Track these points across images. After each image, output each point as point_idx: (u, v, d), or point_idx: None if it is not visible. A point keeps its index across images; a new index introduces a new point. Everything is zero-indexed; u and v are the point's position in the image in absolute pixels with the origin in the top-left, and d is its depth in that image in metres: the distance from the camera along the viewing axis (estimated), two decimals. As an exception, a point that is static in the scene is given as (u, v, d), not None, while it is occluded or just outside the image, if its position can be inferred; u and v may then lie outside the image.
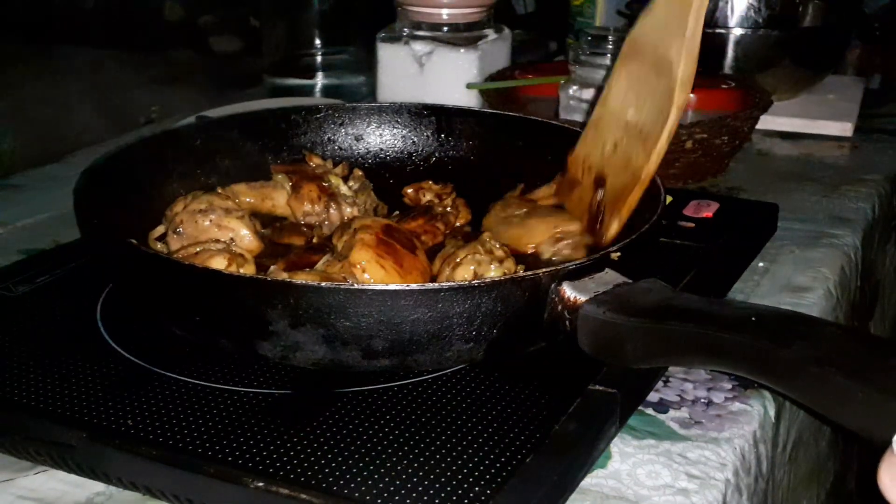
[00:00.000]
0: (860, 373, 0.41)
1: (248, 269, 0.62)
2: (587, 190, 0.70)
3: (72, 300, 0.67)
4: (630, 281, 0.55)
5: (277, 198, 0.74)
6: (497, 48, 1.14)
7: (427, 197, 0.78)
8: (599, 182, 0.68)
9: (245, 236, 0.68)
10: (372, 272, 0.61)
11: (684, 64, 0.61)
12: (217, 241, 0.66)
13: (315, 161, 0.78)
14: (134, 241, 0.61)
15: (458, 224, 0.75)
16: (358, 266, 0.61)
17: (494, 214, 0.73)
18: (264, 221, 0.72)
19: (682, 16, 0.60)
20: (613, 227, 0.66)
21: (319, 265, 0.62)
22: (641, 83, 0.65)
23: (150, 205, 0.71)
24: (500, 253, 0.62)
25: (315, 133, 0.82)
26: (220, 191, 0.72)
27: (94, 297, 0.67)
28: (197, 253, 0.63)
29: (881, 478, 0.34)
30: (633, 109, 0.66)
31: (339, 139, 0.83)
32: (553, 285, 0.54)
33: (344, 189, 0.75)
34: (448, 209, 0.75)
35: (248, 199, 0.74)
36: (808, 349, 0.44)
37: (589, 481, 0.52)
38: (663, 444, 0.55)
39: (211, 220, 0.67)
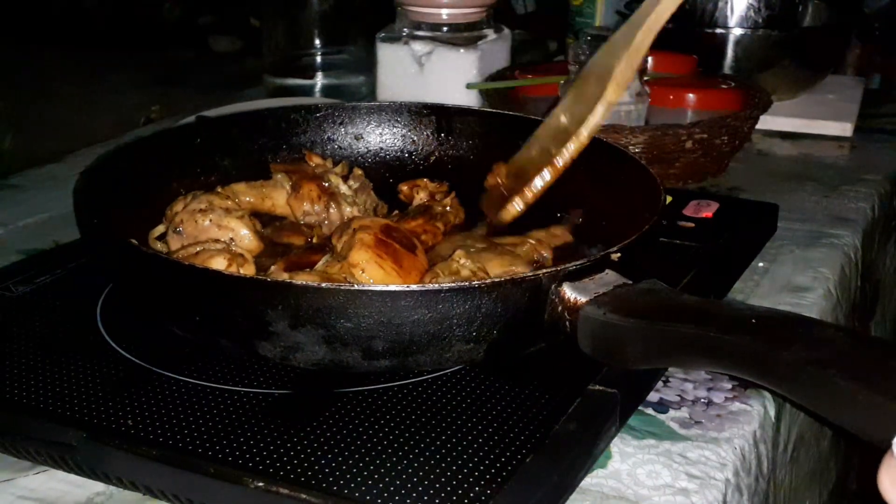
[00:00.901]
0: (860, 375, 0.41)
1: (248, 270, 0.62)
2: (500, 186, 0.71)
3: (72, 300, 0.67)
4: (630, 282, 0.55)
5: (277, 197, 0.74)
6: (497, 48, 1.14)
7: (421, 194, 0.77)
8: (515, 175, 0.69)
9: (245, 236, 0.68)
10: (371, 272, 0.61)
11: (623, 66, 0.63)
12: (217, 240, 0.66)
13: (315, 160, 0.78)
14: (134, 241, 0.60)
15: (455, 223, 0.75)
16: (357, 266, 0.61)
17: (451, 241, 0.72)
18: (264, 221, 0.72)
19: (633, 33, 0.62)
20: (514, 209, 0.67)
21: (319, 265, 0.62)
22: (581, 96, 0.67)
23: (149, 204, 0.71)
24: (466, 273, 0.61)
25: (315, 132, 0.82)
26: (219, 190, 0.71)
27: (94, 297, 0.67)
28: (197, 253, 0.63)
29: (881, 480, 0.34)
30: (566, 116, 0.67)
31: (339, 138, 0.83)
32: (553, 286, 0.54)
33: (344, 188, 0.75)
34: (448, 209, 0.75)
35: (247, 199, 0.74)
36: (807, 351, 0.44)
37: (589, 481, 0.52)
38: (663, 444, 0.55)
39: (211, 220, 0.67)
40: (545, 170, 0.66)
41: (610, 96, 0.63)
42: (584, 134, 0.65)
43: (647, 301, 0.53)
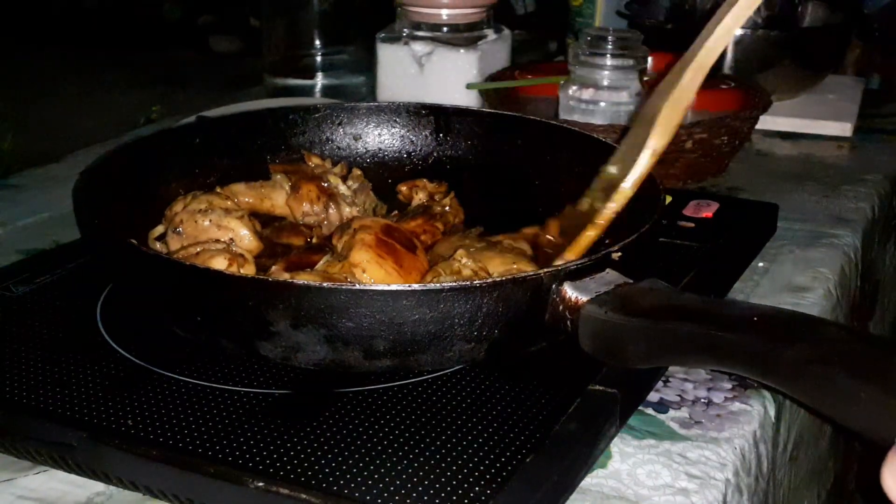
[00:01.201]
0: (863, 373, 0.41)
1: (249, 270, 0.62)
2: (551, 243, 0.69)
3: (72, 300, 0.67)
4: (631, 281, 0.55)
5: (276, 198, 0.74)
6: (497, 48, 1.14)
7: (420, 195, 0.77)
8: (565, 233, 0.67)
9: (245, 236, 0.68)
10: (372, 272, 0.61)
11: (667, 110, 0.59)
12: (217, 241, 0.66)
13: (314, 161, 0.78)
14: (134, 241, 0.60)
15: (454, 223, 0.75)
16: (358, 266, 0.61)
17: (449, 242, 0.71)
18: (263, 221, 0.72)
19: (681, 72, 0.60)
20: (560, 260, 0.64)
21: (319, 265, 0.62)
22: (631, 144, 0.64)
23: (149, 204, 0.71)
24: (467, 272, 0.61)
25: (313, 132, 0.82)
26: (218, 190, 0.71)
27: (94, 297, 0.67)
28: (197, 253, 0.63)
29: (885, 478, 0.34)
30: (617, 166, 0.65)
31: (338, 139, 0.83)
32: (554, 285, 0.54)
33: (343, 189, 0.75)
34: (447, 209, 0.75)
35: (246, 199, 0.74)
36: (810, 349, 0.44)
37: (589, 481, 0.52)
38: (663, 444, 0.55)
39: (211, 220, 0.67)
40: (588, 227, 0.62)
41: (654, 143, 0.60)
42: (628, 186, 0.61)
43: (648, 300, 0.53)
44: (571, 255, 0.63)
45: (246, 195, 0.74)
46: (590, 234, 0.63)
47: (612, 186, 0.63)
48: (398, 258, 0.62)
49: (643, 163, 0.61)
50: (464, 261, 0.61)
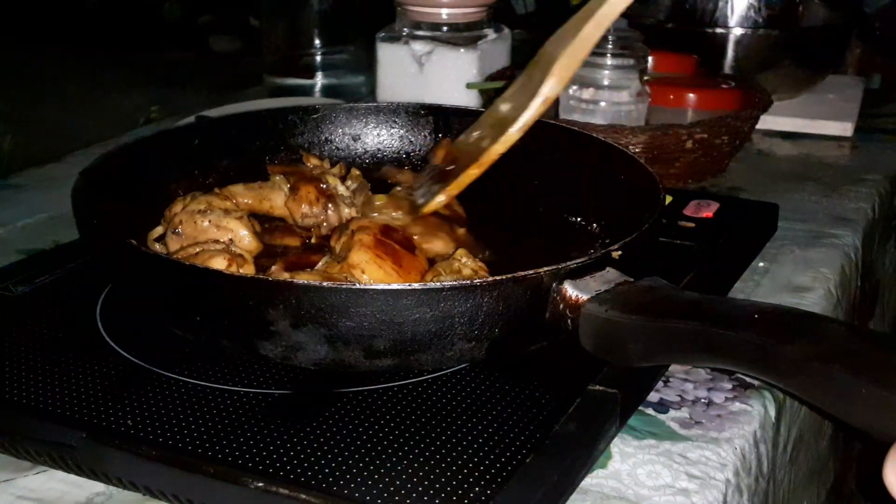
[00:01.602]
0: (864, 369, 0.41)
1: (248, 270, 0.62)
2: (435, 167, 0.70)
3: (71, 300, 0.67)
4: (631, 279, 0.55)
5: (275, 198, 0.74)
6: (497, 48, 1.14)
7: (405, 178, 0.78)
8: (449, 163, 0.68)
9: (244, 237, 0.68)
10: (371, 273, 0.61)
11: (564, 59, 0.60)
12: (216, 241, 0.66)
13: (312, 161, 0.78)
14: (133, 241, 0.60)
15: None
16: (357, 267, 0.61)
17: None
18: (262, 222, 0.72)
19: (582, 23, 0.60)
20: (435, 201, 0.66)
21: (319, 266, 0.62)
22: (526, 84, 0.64)
23: (148, 205, 0.71)
24: (467, 272, 0.61)
25: (312, 133, 0.82)
26: (217, 191, 0.71)
27: (93, 297, 0.67)
28: (197, 254, 0.62)
29: (886, 474, 0.34)
30: (508, 105, 0.65)
31: (337, 139, 0.83)
32: (554, 284, 0.54)
33: (342, 189, 0.75)
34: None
35: (245, 200, 0.74)
36: (811, 346, 0.44)
37: (589, 481, 0.52)
38: (664, 444, 0.55)
39: (210, 221, 0.67)
40: (472, 166, 0.64)
41: (547, 90, 0.61)
42: (515, 130, 0.62)
43: (648, 298, 0.53)
44: (454, 191, 0.65)
45: (245, 196, 0.74)
46: (472, 173, 0.64)
47: (501, 125, 0.64)
48: (397, 258, 0.62)
49: (534, 108, 0.61)
50: (463, 260, 0.61)
